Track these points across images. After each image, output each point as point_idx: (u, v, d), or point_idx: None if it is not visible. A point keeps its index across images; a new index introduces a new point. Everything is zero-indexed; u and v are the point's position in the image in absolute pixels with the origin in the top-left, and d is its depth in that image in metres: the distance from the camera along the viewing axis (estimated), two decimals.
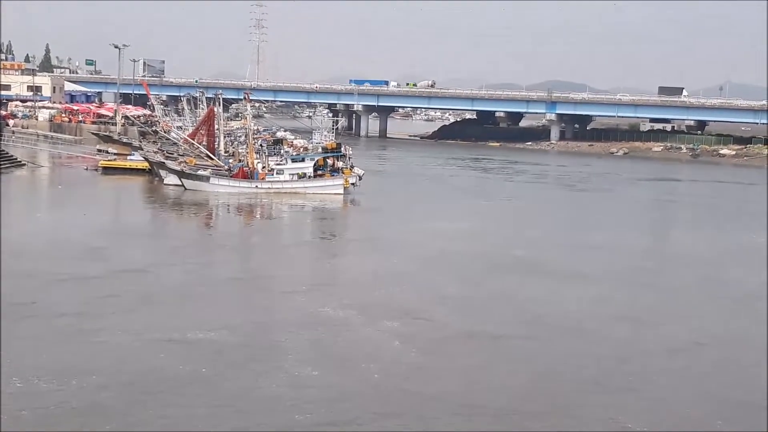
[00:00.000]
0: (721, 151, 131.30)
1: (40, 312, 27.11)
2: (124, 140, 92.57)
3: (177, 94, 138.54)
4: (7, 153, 73.02)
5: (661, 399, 22.21)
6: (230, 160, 69.19)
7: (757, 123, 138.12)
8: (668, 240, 53.58)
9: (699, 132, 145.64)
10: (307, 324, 27.13)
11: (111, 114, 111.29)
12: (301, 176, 63.02)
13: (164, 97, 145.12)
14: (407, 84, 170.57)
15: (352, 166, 65.00)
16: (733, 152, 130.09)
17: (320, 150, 65.28)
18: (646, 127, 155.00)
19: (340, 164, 64.49)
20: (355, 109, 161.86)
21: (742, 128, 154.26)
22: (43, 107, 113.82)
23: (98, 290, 30.17)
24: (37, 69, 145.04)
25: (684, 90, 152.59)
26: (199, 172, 63.24)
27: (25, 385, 20.62)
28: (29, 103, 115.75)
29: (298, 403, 20.27)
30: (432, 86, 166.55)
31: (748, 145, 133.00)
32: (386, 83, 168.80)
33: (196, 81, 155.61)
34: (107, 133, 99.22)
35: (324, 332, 26.40)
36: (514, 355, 25.55)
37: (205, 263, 37.79)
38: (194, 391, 20.78)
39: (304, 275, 36.00)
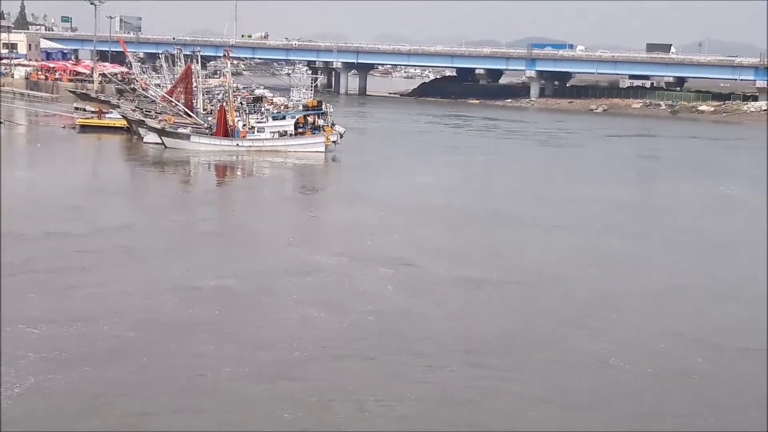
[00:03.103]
0: (700, 108, 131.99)
1: (34, 268, 27.15)
2: (102, 98, 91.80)
3: (155, 51, 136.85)
4: None
5: (639, 337, 23.17)
6: (209, 118, 68.77)
7: (736, 79, 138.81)
8: (642, 192, 54.28)
9: (678, 89, 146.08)
10: (304, 272, 28.10)
11: (88, 72, 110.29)
12: (282, 134, 62.82)
13: (141, 55, 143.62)
14: (242, 36, 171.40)
15: (333, 124, 64.82)
16: (712, 109, 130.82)
17: (301, 108, 65.02)
18: (625, 83, 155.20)
19: (321, 122, 64.31)
20: (334, 66, 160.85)
21: (721, 84, 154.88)
22: (19, 65, 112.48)
23: (88, 247, 30.25)
24: (12, 26, 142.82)
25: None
26: (180, 130, 62.93)
27: (47, 329, 21.28)
28: (5, 61, 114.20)
29: (298, 340, 21.44)
30: (265, 38, 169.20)
31: (726, 102, 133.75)
32: (572, 47, 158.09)
33: (174, 38, 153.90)
34: (84, 91, 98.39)
35: (322, 278, 27.50)
36: (498, 298, 26.68)
37: (191, 220, 38.06)
38: (209, 331, 21.88)
39: (293, 228, 36.71)
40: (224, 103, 64.36)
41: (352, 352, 20.95)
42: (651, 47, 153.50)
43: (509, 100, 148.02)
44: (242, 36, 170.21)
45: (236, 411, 17.44)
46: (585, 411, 18.38)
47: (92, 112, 78.28)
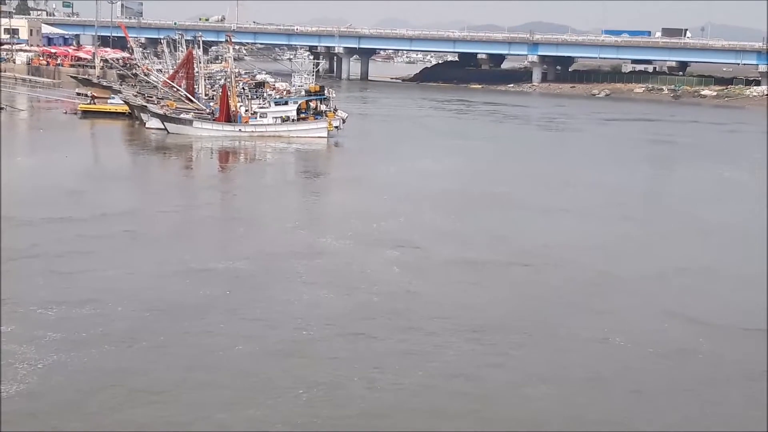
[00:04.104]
0: (702, 92, 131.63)
1: (41, 252, 27.29)
2: (104, 83, 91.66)
3: (156, 36, 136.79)
4: None
5: (642, 317, 23.57)
6: (211, 104, 68.72)
7: (739, 64, 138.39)
8: (643, 176, 54.30)
9: (681, 73, 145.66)
10: (310, 254, 28.62)
11: (89, 57, 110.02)
12: (285, 119, 62.85)
13: (143, 40, 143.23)
14: (200, 19, 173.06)
15: (335, 109, 64.80)
16: (714, 93, 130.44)
17: (303, 93, 64.96)
18: (628, 68, 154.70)
19: (323, 107, 64.28)
20: (336, 51, 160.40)
21: (723, 69, 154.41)
22: (21, 50, 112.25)
23: (93, 232, 30.44)
24: (14, 11, 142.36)
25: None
26: (182, 116, 62.92)
27: (61, 311, 21.67)
28: (6, 46, 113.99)
29: (307, 320, 22.02)
30: (222, 21, 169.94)
31: (729, 86, 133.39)
32: (648, 33, 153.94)
33: (175, 23, 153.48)
34: (86, 77, 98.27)
35: (328, 260, 27.99)
36: (501, 280, 27.09)
37: (196, 204, 38.30)
38: (221, 311, 22.40)
39: (298, 212, 37.12)
40: (227, 87, 64.22)
41: (360, 332, 21.35)
42: (666, 32, 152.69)
43: (511, 85, 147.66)
44: (199, 19, 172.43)
45: (249, 387, 17.82)
46: (584, 388, 18.68)
47: (87, 96, 78.04)
